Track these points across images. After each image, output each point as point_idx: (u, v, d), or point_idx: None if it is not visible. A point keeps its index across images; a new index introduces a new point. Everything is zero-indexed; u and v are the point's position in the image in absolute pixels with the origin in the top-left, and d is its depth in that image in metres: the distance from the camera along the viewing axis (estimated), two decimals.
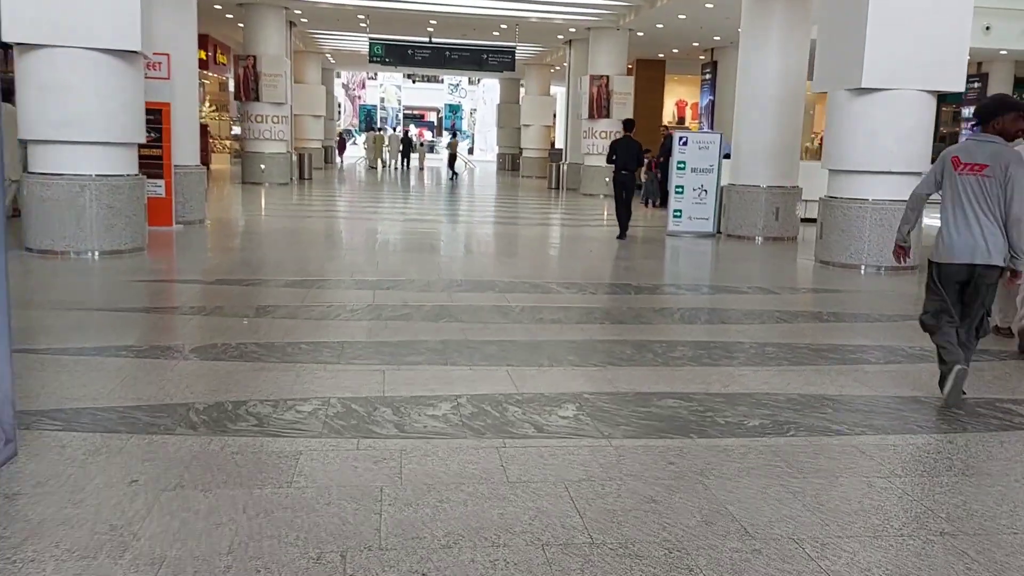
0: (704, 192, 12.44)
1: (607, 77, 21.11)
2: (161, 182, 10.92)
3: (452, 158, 31.67)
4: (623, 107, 21.36)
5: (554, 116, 33.86)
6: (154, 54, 10.41)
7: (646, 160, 19.61)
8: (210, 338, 5.25)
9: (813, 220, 13.92)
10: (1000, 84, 21.80)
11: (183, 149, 11.45)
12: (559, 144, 40.29)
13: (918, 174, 8.69)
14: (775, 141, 12.04)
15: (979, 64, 22.01)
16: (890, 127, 8.96)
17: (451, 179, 28.81)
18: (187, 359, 4.74)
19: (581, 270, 9.20)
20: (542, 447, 3.56)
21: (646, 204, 18.66)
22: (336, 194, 20.43)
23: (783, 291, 8.09)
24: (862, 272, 9.26)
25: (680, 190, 12.47)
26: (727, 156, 18.41)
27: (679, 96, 30.49)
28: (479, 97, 57.99)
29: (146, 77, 10.49)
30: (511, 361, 4.94)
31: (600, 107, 21.24)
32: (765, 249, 11.51)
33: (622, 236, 11.74)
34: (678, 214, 12.51)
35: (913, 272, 9.19)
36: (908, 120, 8.96)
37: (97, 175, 8.54)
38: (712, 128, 24.55)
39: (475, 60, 21.94)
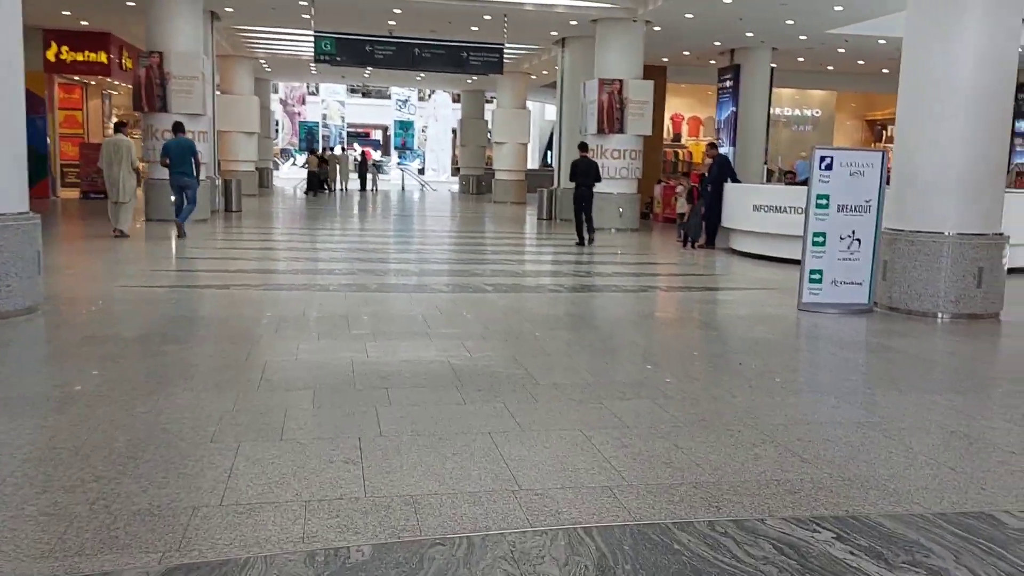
0: (857, 243, 7.93)
1: (620, 82, 16.65)
2: None
3: (314, 179, 28.77)
4: (640, 119, 16.90)
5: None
6: None
7: (689, 187, 15.29)
8: None
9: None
10: None
11: None
12: (532, 164, 35.95)
13: None
14: (971, 163, 7.62)
15: None
16: None
17: (306, 193, 27.65)
18: None
19: (768, 451, 4.46)
20: None
21: (685, 243, 14.16)
22: (270, 236, 15.40)
23: None
24: None
25: (820, 240, 7.92)
26: (732, 179, 13.63)
27: (675, 109, 26.37)
28: (430, 113, 53.61)
29: None
30: None
31: (612, 119, 16.75)
32: (978, 339, 7.02)
33: (580, 243, 13.81)
34: (817, 277, 7.96)
35: None
36: None
37: None
38: (735, 146, 20.31)
39: (453, 59, 17.23)
